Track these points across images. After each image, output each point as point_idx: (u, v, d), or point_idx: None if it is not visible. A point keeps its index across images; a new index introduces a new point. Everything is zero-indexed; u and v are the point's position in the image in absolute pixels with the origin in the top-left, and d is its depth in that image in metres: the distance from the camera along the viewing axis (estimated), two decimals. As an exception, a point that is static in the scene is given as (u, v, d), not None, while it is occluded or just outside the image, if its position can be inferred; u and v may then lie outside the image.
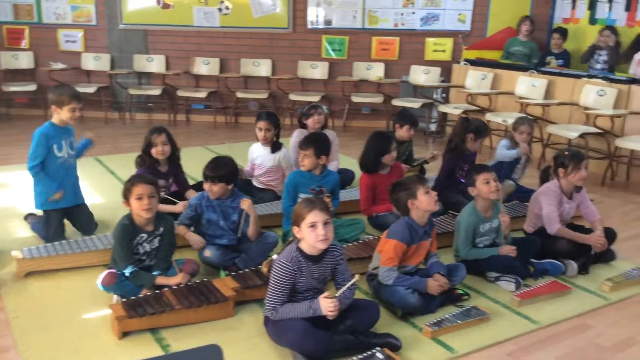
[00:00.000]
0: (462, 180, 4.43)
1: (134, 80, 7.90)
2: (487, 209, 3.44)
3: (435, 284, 2.97)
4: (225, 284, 2.99)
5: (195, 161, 4.64)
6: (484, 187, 3.36)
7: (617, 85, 5.58)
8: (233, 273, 3.13)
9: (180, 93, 7.68)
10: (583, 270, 3.50)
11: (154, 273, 3.02)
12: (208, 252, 3.32)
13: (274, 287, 2.58)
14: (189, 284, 2.98)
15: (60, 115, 3.69)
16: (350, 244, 3.60)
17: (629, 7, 6.49)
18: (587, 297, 3.26)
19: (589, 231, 3.67)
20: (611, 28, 6.31)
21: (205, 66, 7.84)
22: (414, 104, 7.10)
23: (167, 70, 7.84)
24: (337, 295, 2.59)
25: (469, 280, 3.34)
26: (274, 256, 2.64)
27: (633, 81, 5.59)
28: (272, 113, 4.61)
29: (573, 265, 3.47)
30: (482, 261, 3.40)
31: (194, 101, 7.90)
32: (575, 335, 2.89)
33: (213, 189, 3.33)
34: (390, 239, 3.00)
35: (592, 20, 6.83)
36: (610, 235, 3.63)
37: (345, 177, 4.99)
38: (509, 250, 3.38)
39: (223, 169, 3.33)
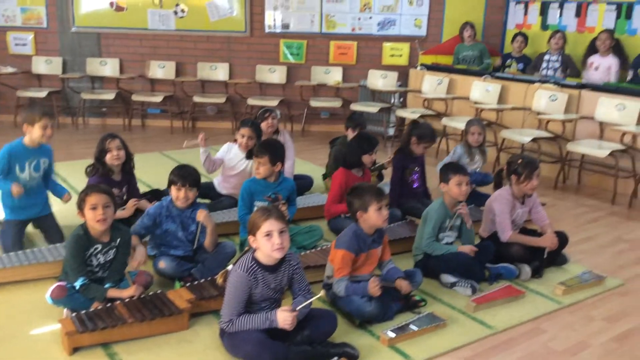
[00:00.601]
0: (415, 185, 4.50)
1: (87, 84, 7.71)
2: (454, 206, 3.53)
3: (373, 285, 2.92)
4: (180, 295, 2.93)
5: (152, 167, 4.56)
6: (455, 188, 3.45)
7: (568, 91, 5.72)
8: (188, 284, 3.07)
9: (135, 97, 7.53)
10: (536, 274, 3.56)
11: (106, 285, 2.93)
12: (162, 263, 3.24)
13: (229, 298, 2.54)
14: (142, 296, 2.91)
15: (32, 133, 3.64)
16: (308, 252, 3.58)
17: (579, 13, 6.68)
18: (540, 300, 3.32)
19: (541, 236, 3.73)
20: (560, 32, 6.47)
21: (161, 70, 7.71)
22: (372, 108, 7.14)
23: (121, 74, 7.67)
24: (296, 308, 2.56)
25: (426, 285, 3.37)
26: (230, 267, 2.61)
27: (583, 86, 5.74)
28: (257, 123, 4.58)
29: (526, 270, 3.53)
30: (441, 263, 3.43)
31: (150, 106, 7.75)
32: (529, 339, 2.94)
33: (188, 196, 3.27)
34: (338, 248, 3.00)
35: (544, 26, 7.00)
36: (562, 239, 3.70)
37: (304, 183, 4.97)
38: (470, 249, 3.44)
39: (195, 174, 3.32)
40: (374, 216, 3.00)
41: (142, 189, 4.42)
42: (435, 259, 3.45)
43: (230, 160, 4.46)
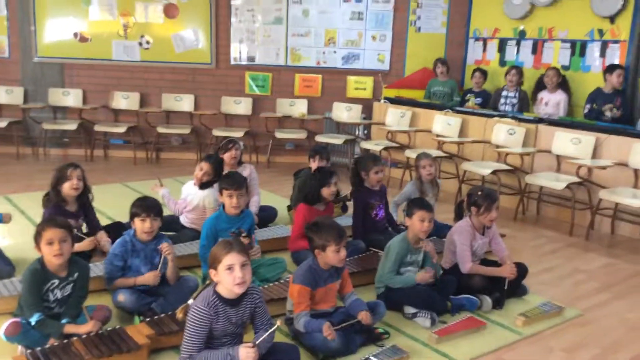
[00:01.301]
0: (378, 218, 4.51)
1: (48, 114, 7.60)
2: (416, 241, 3.56)
3: (327, 332, 2.86)
4: (139, 330, 2.87)
5: (113, 199, 4.49)
6: (418, 223, 3.48)
7: (526, 125, 5.89)
8: (148, 319, 3.01)
9: (97, 128, 7.45)
10: (497, 305, 3.61)
11: (63, 321, 2.85)
12: (122, 297, 3.18)
13: (189, 333, 2.50)
14: (100, 332, 2.84)
15: None
16: (271, 284, 3.56)
17: (535, 51, 6.92)
18: (501, 332, 3.36)
19: (501, 266, 3.79)
20: (516, 67, 6.69)
21: (125, 100, 7.67)
22: (337, 140, 7.21)
23: (84, 105, 7.60)
24: (256, 342, 2.53)
25: (389, 317, 3.38)
26: (190, 301, 2.57)
27: (540, 120, 5.92)
28: (220, 160, 4.52)
29: (487, 301, 3.58)
30: (402, 295, 3.44)
31: (113, 136, 7.68)
32: (490, 370, 2.97)
33: (154, 226, 3.24)
34: (294, 283, 3.00)
35: (502, 63, 7.23)
36: (521, 270, 3.77)
37: (268, 215, 4.97)
38: (425, 277, 3.45)
39: (158, 204, 3.30)
40: (331, 256, 3.00)
41: (103, 221, 4.36)
42: (397, 291, 3.46)
43: (187, 196, 4.42)
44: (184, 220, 4.44)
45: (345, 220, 4.84)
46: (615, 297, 3.93)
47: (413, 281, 3.47)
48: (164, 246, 3.23)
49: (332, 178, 4.06)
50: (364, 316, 3.04)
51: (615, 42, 6.21)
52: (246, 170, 4.93)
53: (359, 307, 3.12)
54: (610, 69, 5.95)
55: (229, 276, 2.48)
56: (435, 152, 5.92)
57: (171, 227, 4.32)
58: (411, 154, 6.27)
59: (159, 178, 4.53)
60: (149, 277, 3.24)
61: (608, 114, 5.86)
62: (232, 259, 2.48)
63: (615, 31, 6.20)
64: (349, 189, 4.81)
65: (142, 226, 3.23)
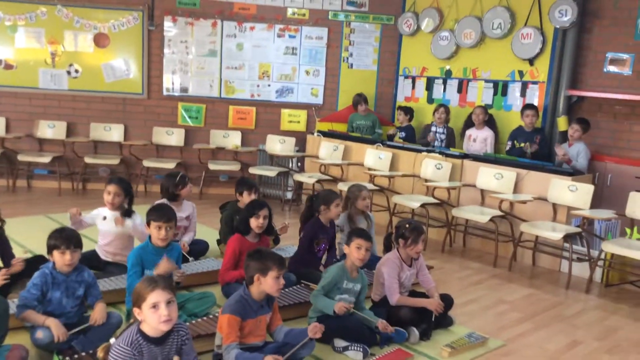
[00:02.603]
0: (319, 255, 4.54)
1: (-33, 142, 7.26)
2: (354, 270, 3.61)
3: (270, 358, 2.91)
4: (58, 370, 2.75)
5: (36, 231, 4.33)
6: (355, 251, 3.55)
7: (452, 160, 6.12)
8: (68, 357, 2.89)
9: (21, 157, 7.15)
10: (424, 336, 3.68)
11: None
12: (40, 334, 3.03)
13: (111, 374, 2.41)
14: (16, 372, 2.70)
15: None
16: (199, 320, 3.50)
17: (460, 90, 7.24)
18: (428, 363, 3.43)
19: (428, 298, 3.88)
20: (444, 106, 6.96)
21: (51, 130, 7.43)
22: (271, 172, 7.24)
23: (7, 133, 7.30)
24: None
25: (319, 350, 3.37)
26: (112, 340, 2.48)
27: (465, 156, 6.17)
28: (125, 180, 4.48)
29: (415, 332, 3.64)
30: (333, 327, 3.44)
31: (37, 166, 7.40)
32: (417, 402, 3.01)
33: (74, 258, 3.14)
34: (224, 314, 2.97)
35: (430, 100, 7.51)
36: (447, 301, 3.87)
37: (199, 248, 4.90)
38: (341, 308, 3.46)
39: (77, 235, 3.20)
40: (270, 283, 3.01)
41: (20, 253, 4.16)
42: (328, 323, 3.45)
43: (102, 225, 4.30)
44: (102, 254, 4.30)
45: (279, 252, 4.85)
46: (535, 328, 4.09)
47: (331, 307, 3.47)
48: (94, 319, 3.12)
49: (260, 210, 4.04)
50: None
51: (535, 82, 6.59)
52: (189, 207, 4.88)
53: (293, 338, 3.09)
54: (524, 110, 6.30)
55: (154, 314, 2.42)
56: (367, 185, 6.02)
57: (92, 264, 4.08)
58: (344, 186, 6.35)
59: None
60: (57, 329, 3.01)
61: (528, 150, 6.16)
62: (156, 296, 2.43)
63: (535, 72, 6.59)
64: (282, 222, 4.82)
65: (62, 259, 3.12)
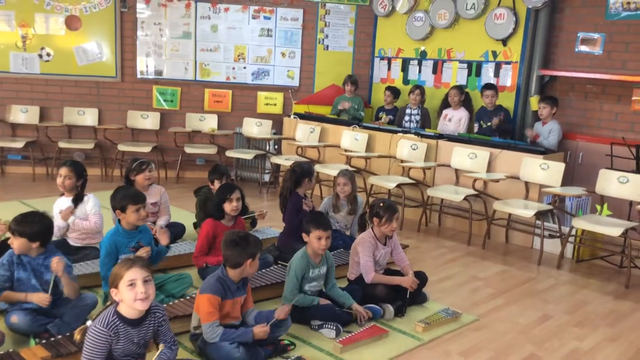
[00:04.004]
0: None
1: (-63, 128, 7.13)
2: (317, 256, 3.63)
3: (262, 330, 3.00)
4: (34, 353, 2.76)
5: (10, 216, 4.26)
6: (315, 242, 3.55)
7: (427, 140, 6.18)
8: (44, 341, 2.89)
9: (-7, 143, 7.06)
10: (399, 313, 3.75)
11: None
12: (15, 318, 3.04)
13: (87, 355, 2.42)
14: (-9, 356, 2.70)
15: None
16: (177, 301, 3.52)
17: (435, 70, 7.28)
18: (402, 338, 3.49)
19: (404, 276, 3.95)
20: (419, 87, 7.00)
21: (24, 114, 7.32)
22: (248, 155, 7.23)
23: (-22, 118, 7.20)
24: None
25: (295, 329, 3.42)
26: (89, 322, 2.49)
27: (440, 136, 6.23)
28: (78, 162, 4.43)
29: (390, 309, 3.71)
30: (307, 309, 3.51)
31: (10, 151, 7.31)
32: (391, 376, 3.08)
33: (14, 243, 3.11)
34: (203, 293, 2.99)
35: (405, 81, 7.54)
36: (421, 278, 3.94)
37: (175, 231, 4.89)
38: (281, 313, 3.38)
39: (30, 225, 3.11)
40: (256, 264, 3.10)
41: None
42: (301, 309, 3.50)
43: (59, 221, 4.24)
44: (73, 241, 4.29)
45: (257, 234, 4.89)
46: (508, 303, 4.18)
47: (314, 302, 3.54)
48: (53, 262, 3.08)
49: (232, 193, 4.04)
50: (280, 313, 3.12)
51: (508, 63, 6.66)
52: (157, 192, 4.86)
53: (263, 319, 3.14)
54: (483, 90, 6.42)
55: (131, 292, 2.43)
56: (343, 167, 6.06)
57: (63, 251, 4.02)
58: (321, 168, 6.39)
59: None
60: (39, 298, 3.07)
61: (493, 126, 6.24)
62: (133, 273, 2.44)
63: (508, 53, 6.65)
64: (257, 205, 4.85)
65: (10, 240, 3.13)
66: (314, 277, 3.61)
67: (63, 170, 4.22)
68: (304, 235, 3.61)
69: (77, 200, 4.25)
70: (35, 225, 3.12)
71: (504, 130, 6.26)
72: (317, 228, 3.54)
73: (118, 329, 2.47)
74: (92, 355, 2.42)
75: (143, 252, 3.47)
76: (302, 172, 4.75)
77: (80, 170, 4.30)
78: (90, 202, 4.28)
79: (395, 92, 7.34)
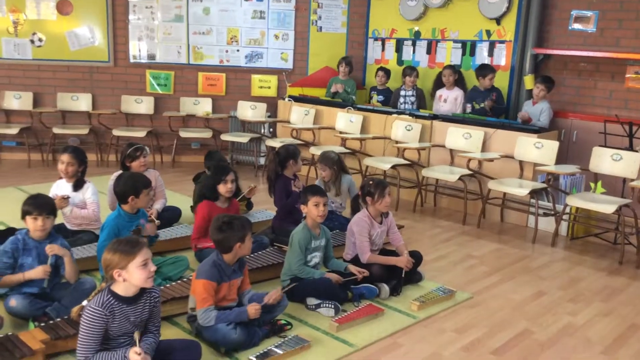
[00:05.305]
0: (299, 207, 4.61)
1: None
2: (316, 228, 3.69)
3: (253, 309, 3.03)
4: (33, 336, 2.78)
5: (6, 203, 4.31)
6: (314, 209, 3.61)
7: (422, 121, 6.19)
8: (43, 324, 2.92)
9: (-13, 129, 7.04)
10: (395, 292, 3.79)
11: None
12: (14, 302, 3.06)
13: (84, 335, 2.45)
14: (-9, 339, 2.73)
15: None
16: (174, 283, 3.55)
17: (429, 51, 7.27)
18: (398, 317, 3.53)
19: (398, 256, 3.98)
20: (413, 68, 6.98)
21: (17, 100, 7.29)
22: (243, 138, 7.23)
23: (-29, 105, 7.16)
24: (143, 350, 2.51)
25: (291, 309, 3.46)
26: (85, 302, 2.52)
27: (434, 117, 6.24)
28: (79, 149, 4.46)
29: (385, 288, 3.74)
30: (306, 288, 3.54)
31: (4, 138, 7.29)
32: (386, 354, 3.12)
33: (46, 225, 3.16)
34: (199, 279, 3.01)
35: (400, 62, 7.53)
36: (416, 258, 3.98)
37: (172, 215, 4.92)
38: (336, 279, 3.60)
39: (47, 201, 3.22)
40: (248, 245, 3.13)
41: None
42: (300, 284, 3.55)
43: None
44: (70, 225, 4.30)
45: (249, 218, 4.91)
46: (502, 280, 4.23)
47: (321, 275, 3.61)
48: (52, 248, 3.13)
49: (227, 175, 4.08)
50: (272, 296, 3.17)
51: (502, 42, 6.65)
52: (152, 177, 4.85)
53: (262, 298, 3.17)
54: (482, 72, 6.35)
55: (144, 271, 2.49)
56: (338, 149, 6.07)
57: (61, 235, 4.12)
58: (316, 150, 6.39)
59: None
60: (38, 271, 3.11)
61: (487, 108, 6.24)
62: (145, 254, 2.52)
63: (502, 32, 6.64)
64: (249, 187, 4.83)
65: (35, 224, 3.14)
66: (315, 247, 3.68)
67: (65, 157, 4.23)
68: (302, 207, 3.69)
69: (78, 186, 4.27)
70: (50, 200, 3.25)
71: (497, 111, 6.26)
72: (314, 195, 3.63)
73: (113, 307, 2.50)
74: (89, 335, 2.45)
75: (151, 229, 3.57)
76: (287, 154, 4.75)
77: (82, 156, 4.33)
78: (89, 190, 4.30)
79: (388, 72, 7.32)
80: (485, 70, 6.36)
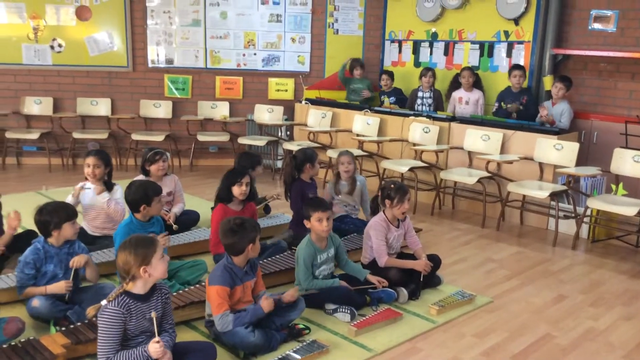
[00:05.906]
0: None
1: (-47, 121, 7.22)
2: (322, 240, 3.63)
3: (267, 302, 3.05)
4: (54, 340, 2.81)
5: (27, 207, 4.32)
6: (317, 224, 3.55)
7: (439, 123, 6.15)
8: (64, 328, 2.95)
9: (9, 135, 7.13)
10: (413, 296, 3.76)
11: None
12: (36, 302, 3.11)
13: (104, 336, 2.48)
14: (13, 343, 2.76)
15: None
16: (192, 287, 3.56)
17: (447, 52, 7.22)
18: (416, 321, 3.51)
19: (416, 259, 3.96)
20: (428, 68, 6.94)
21: (37, 106, 7.39)
22: (260, 141, 7.25)
23: (-7, 111, 7.27)
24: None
25: (309, 314, 3.45)
26: (103, 302, 2.54)
27: (452, 119, 6.19)
28: (103, 151, 4.52)
29: (404, 292, 3.72)
30: (323, 295, 3.53)
31: (25, 143, 7.39)
32: (406, 358, 3.10)
33: (76, 228, 3.26)
34: (212, 285, 3.01)
35: (417, 64, 7.49)
36: (435, 261, 3.94)
37: (190, 219, 4.94)
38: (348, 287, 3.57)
39: (68, 207, 3.30)
40: (257, 247, 3.11)
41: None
42: (315, 293, 3.54)
43: (85, 200, 4.31)
44: (91, 230, 4.34)
45: (267, 222, 4.92)
46: (522, 284, 4.18)
47: (333, 284, 3.58)
48: (71, 263, 3.19)
49: (242, 177, 4.07)
50: (287, 295, 3.20)
51: (520, 42, 6.58)
52: (171, 182, 4.89)
53: (275, 298, 3.18)
54: (509, 70, 6.29)
55: (164, 262, 2.61)
56: (356, 152, 6.06)
57: (81, 240, 4.14)
58: (333, 153, 6.39)
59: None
60: (60, 286, 3.16)
61: (513, 113, 6.15)
62: (161, 247, 2.66)
63: (520, 32, 6.57)
64: (270, 191, 4.85)
65: (73, 228, 3.26)
66: (322, 262, 3.62)
67: (91, 160, 4.26)
68: (305, 222, 3.61)
69: (108, 188, 4.31)
70: (69, 208, 3.32)
71: (523, 116, 6.08)
72: (316, 210, 3.54)
73: (129, 306, 2.54)
74: (109, 336, 2.48)
75: (164, 239, 3.54)
76: (304, 158, 4.72)
77: (107, 158, 4.37)
78: (118, 192, 4.32)
79: (391, 75, 7.29)
80: (514, 68, 6.24)
